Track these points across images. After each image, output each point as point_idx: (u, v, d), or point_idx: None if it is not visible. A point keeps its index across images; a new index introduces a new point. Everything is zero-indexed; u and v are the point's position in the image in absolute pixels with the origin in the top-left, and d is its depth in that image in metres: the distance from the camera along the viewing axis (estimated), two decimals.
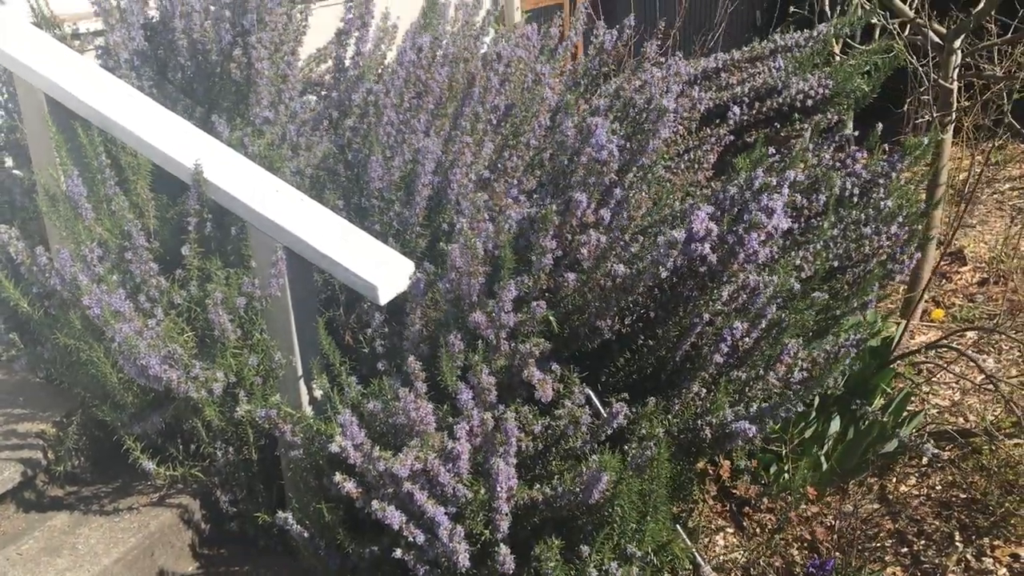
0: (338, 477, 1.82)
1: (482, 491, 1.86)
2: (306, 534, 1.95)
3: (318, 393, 2.07)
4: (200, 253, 2.11)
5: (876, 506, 2.60)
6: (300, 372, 2.07)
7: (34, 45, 2.20)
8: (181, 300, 2.07)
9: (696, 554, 2.18)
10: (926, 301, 3.83)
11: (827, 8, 4.18)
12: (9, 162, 2.54)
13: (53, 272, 2.01)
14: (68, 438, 2.22)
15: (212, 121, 2.41)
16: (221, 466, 2.16)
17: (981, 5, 3.40)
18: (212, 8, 2.54)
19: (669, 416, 2.16)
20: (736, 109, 2.86)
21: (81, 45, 2.69)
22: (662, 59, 3.17)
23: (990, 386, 2.99)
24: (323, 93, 2.92)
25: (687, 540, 2.14)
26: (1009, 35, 3.84)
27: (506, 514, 1.83)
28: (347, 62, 2.68)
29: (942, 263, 4.16)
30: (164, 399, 2.13)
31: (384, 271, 1.98)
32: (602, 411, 2.06)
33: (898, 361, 2.93)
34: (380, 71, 2.86)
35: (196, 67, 2.56)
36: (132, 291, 2.03)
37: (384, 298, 1.96)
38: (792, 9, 4.11)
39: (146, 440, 2.15)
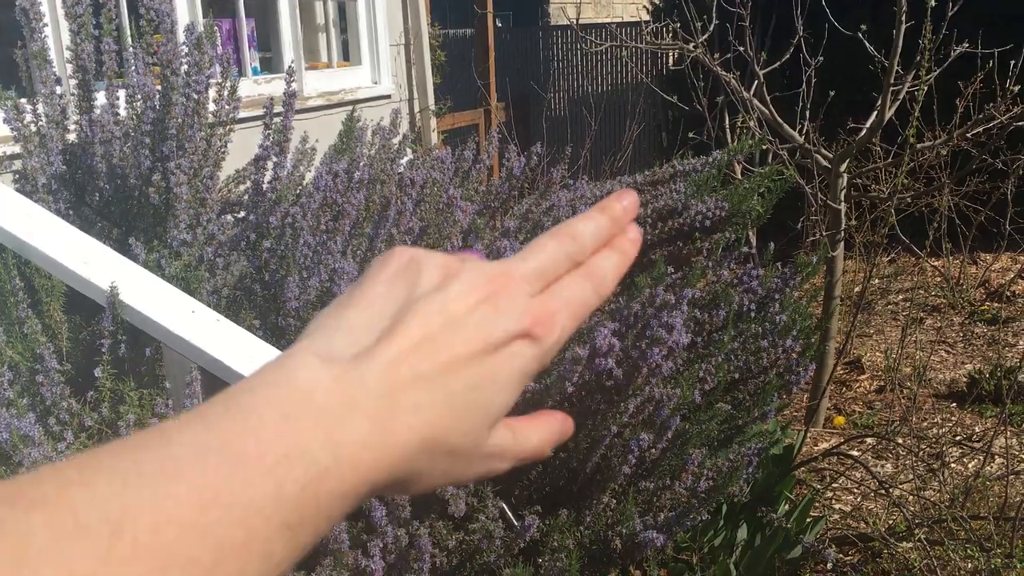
0: None
1: None
2: None
3: None
4: (113, 374, 2.12)
5: None
6: None
7: None
8: (92, 422, 2.06)
9: None
10: (829, 409, 3.99)
11: (727, 133, 4.46)
12: None
13: None
14: None
15: (129, 243, 2.44)
16: None
17: (863, 132, 3.68)
18: (132, 134, 2.61)
19: (581, 527, 2.21)
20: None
21: None
22: (571, 181, 3.34)
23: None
24: (242, 214, 2.99)
25: None
26: (891, 158, 4.15)
27: None
28: (265, 186, 2.76)
29: (842, 372, 4.35)
30: None
31: None
32: (516, 524, 2.10)
33: (800, 468, 3.05)
34: (299, 191, 2.95)
35: (114, 191, 2.61)
36: (42, 414, 2.02)
37: None
38: (691, 135, 4.37)
39: None
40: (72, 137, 2.69)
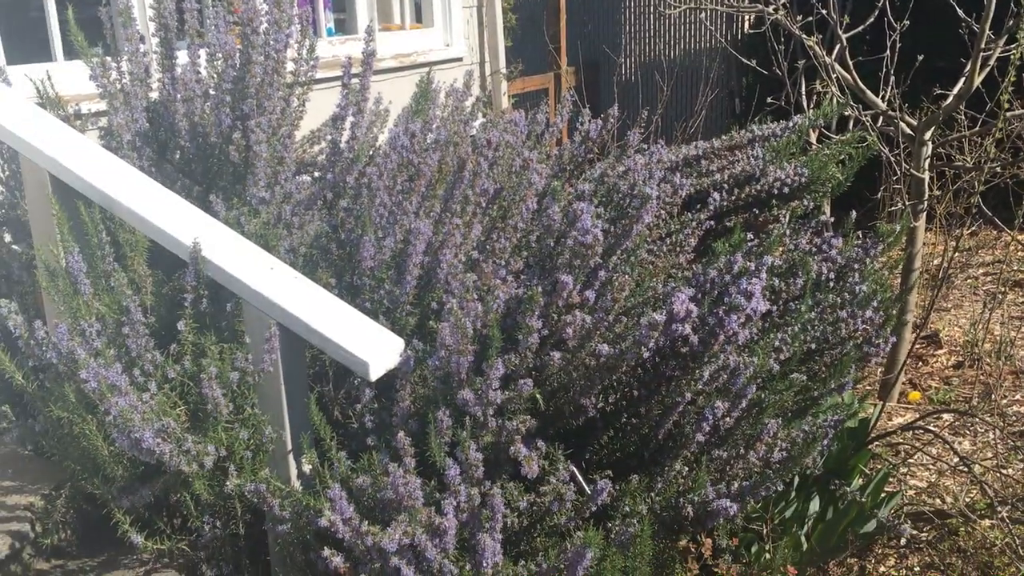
0: (327, 552, 1.84)
1: (468, 567, 1.88)
2: None
3: (307, 468, 2.10)
4: (195, 328, 2.16)
5: None
6: (290, 447, 2.10)
7: (39, 125, 2.28)
8: (175, 374, 2.11)
9: None
10: (903, 383, 3.90)
11: (804, 99, 4.35)
12: (8, 237, 2.60)
13: (50, 346, 2.05)
14: (56, 511, 2.23)
15: (210, 200, 2.48)
16: (208, 540, 2.17)
17: (949, 100, 3.56)
18: (213, 93, 2.64)
19: (652, 494, 2.20)
20: (716, 195, 2.97)
21: (83, 125, 2.77)
22: (644, 146, 3.29)
23: (964, 468, 3.04)
24: (317, 174, 3.01)
25: None
26: (978, 127, 4.01)
27: None
28: (342, 145, 2.78)
29: (918, 346, 4.25)
30: (154, 472, 2.15)
31: (375, 348, 2.03)
32: (586, 488, 2.10)
33: (875, 442, 2.99)
34: (372, 152, 2.96)
35: (196, 148, 2.65)
36: (127, 365, 2.07)
37: (375, 374, 2.01)
38: (769, 100, 4.27)
39: (134, 514, 2.16)
40: (155, 95, 2.73)
